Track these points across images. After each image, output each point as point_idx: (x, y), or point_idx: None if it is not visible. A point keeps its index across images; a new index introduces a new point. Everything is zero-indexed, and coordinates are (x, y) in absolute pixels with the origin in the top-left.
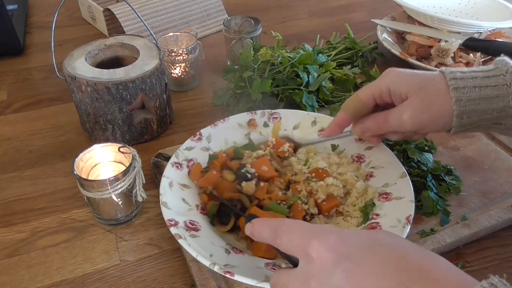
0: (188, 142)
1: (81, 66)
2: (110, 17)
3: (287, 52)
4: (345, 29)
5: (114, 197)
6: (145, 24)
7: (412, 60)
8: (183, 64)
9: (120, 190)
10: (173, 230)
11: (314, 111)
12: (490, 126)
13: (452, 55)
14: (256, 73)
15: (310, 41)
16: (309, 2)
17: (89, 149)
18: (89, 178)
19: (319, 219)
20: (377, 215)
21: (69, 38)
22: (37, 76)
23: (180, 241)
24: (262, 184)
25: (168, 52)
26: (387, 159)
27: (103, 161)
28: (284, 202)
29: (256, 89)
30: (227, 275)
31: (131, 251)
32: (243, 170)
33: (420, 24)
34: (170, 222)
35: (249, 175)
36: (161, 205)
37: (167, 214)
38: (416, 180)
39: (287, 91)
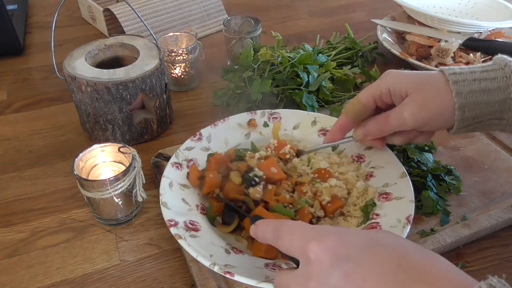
0: (188, 142)
1: (81, 66)
2: (110, 17)
3: (287, 52)
4: (345, 29)
5: (114, 197)
6: (145, 24)
7: (412, 60)
8: (183, 64)
9: (120, 190)
10: (173, 231)
11: (314, 111)
12: (493, 122)
13: (452, 55)
14: (256, 73)
15: (310, 41)
16: (309, 2)
17: (89, 149)
18: (89, 178)
19: (325, 222)
20: (377, 215)
21: (69, 38)
22: (37, 76)
23: (180, 241)
24: (270, 187)
25: (168, 52)
26: (387, 159)
27: (103, 161)
28: (291, 205)
29: (256, 89)
30: (227, 275)
31: (131, 251)
32: (251, 174)
33: (420, 24)
34: (170, 222)
35: (257, 179)
36: (161, 205)
37: (167, 214)
38: (416, 180)
39: (287, 91)
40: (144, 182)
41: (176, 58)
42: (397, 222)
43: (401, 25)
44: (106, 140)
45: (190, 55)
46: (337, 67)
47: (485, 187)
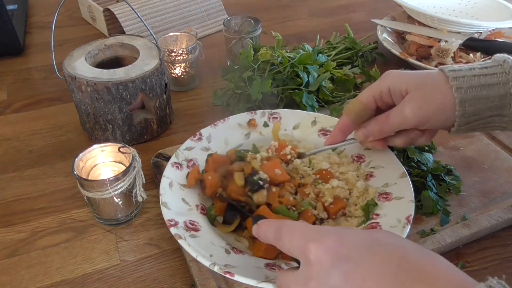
0: (188, 142)
1: (81, 66)
2: (110, 17)
3: (287, 52)
4: (345, 29)
5: (114, 197)
6: (145, 24)
7: (412, 60)
8: (183, 64)
9: (120, 190)
10: (173, 230)
11: (314, 111)
12: (494, 119)
13: (452, 55)
14: (256, 73)
15: (310, 41)
16: (309, 2)
17: (89, 149)
18: (89, 178)
19: (328, 224)
20: (377, 215)
21: (69, 38)
22: (37, 76)
23: (180, 241)
24: (274, 189)
25: (168, 52)
26: (387, 159)
27: (103, 161)
28: (294, 208)
29: (256, 89)
30: (227, 275)
31: (131, 251)
32: (255, 177)
33: (420, 24)
34: (170, 222)
35: (261, 182)
36: (161, 205)
37: (167, 214)
38: (416, 180)
39: (287, 91)
40: (144, 182)
41: (176, 58)
42: (397, 222)
43: (401, 25)
44: (106, 140)
45: (190, 55)
46: (337, 67)
47: (485, 187)
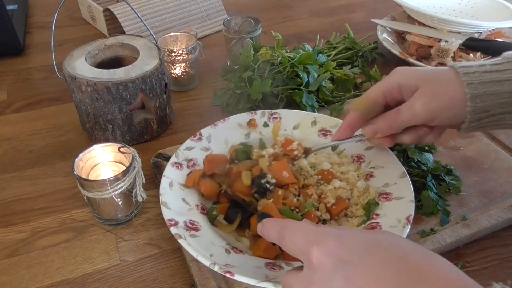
0: (188, 142)
1: (81, 66)
2: (110, 17)
3: (287, 52)
4: (345, 29)
5: (114, 197)
6: (145, 24)
7: (412, 60)
8: (183, 64)
9: (120, 190)
10: (173, 230)
11: (314, 111)
12: (505, 117)
13: (452, 55)
14: (256, 73)
15: (310, 41)
16: (309, 2)
17: (89, 149)
18: (89, 178)
19: (331, 225)
20: (377, 215)
21: (69, 38)
22: (37, 76)
23: (180, 241)
24: (280, 192)
25: (168, 52)
26: (387, 159)
27: (103, 161)
28: (297, 209)
29: (256, 89)
30: (227, 275)
31: (131, 251)
32: (263, 181)
33: (420, 24)
34: (170, 222)
35: (268, 186)
36: (161, 205)
37: (167, 214)
38: (416, 180)
39: (287, 91)
40: (144, 182)
41: (176, 58)
42: (397, 222)
43: (401, 25)
44: (106, 140)
45: (190, 55)
46: (337, 67)
47: (485, 187)
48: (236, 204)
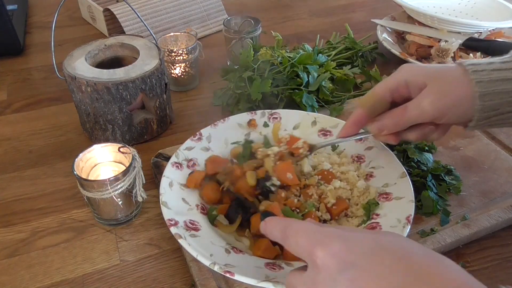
0: (188, 142)
1: (81, 66)
2: (110, 17)
3: (287, 52)
4: (345, 29)
5: (114, 197)
6: (145, 24)
7: (412, 60)
8: (183, 64)
9: (120, 190)
10: (173, 230)
11: (314, 111)
12: None
13: (452, 55)
14: (256, 73)
15: (310, 41)
16: (309, 2)
17: (89, 149)
18: (89, 178)
19: (332, 225)
20: (377, 215)
21: (69, 38)
22: (37, 76)
23: (180, 240)
24: (283, 194)
25: (168, 52)
26: (387, 159)
27: (103, 161)
28: (298, 210)
29: (256, 89)
30: (227, 275)
31: (131, 251)
32: (268, 183)
33: (420, 24)
34: (170, 222)
35: (273, 188)
36: (161, 205)
37: (167, 214)
38: (416, 180)
39: (287, 91)
40: (144, 182)
41: (176, 58)
42: (397, 222)
43: (401, 25)
44: (106, 140)
45: (190, 55)
46: (337, 67)
47: (485, 187)
48: (239, 202)
